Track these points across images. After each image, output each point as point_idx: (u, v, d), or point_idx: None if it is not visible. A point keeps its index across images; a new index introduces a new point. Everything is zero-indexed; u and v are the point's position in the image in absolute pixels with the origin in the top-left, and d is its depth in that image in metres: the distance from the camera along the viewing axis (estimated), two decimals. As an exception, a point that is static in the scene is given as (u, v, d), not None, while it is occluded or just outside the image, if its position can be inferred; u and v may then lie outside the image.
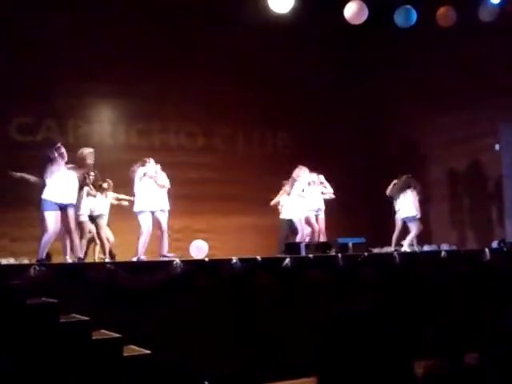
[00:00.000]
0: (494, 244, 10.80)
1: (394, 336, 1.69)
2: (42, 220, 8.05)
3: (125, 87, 11.57)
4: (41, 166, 8.19)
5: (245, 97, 12.51)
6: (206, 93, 12.19)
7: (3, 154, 10.48)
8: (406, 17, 9.53)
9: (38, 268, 6.77)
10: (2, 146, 10.73)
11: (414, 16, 9.53)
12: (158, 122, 12.36)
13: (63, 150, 8.15)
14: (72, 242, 8.19)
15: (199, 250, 9.45)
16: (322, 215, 10.70)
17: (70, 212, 8.11)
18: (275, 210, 11.06)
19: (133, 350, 5.63)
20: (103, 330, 5.73)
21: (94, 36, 11.24)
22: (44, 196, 7.94)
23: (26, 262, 8.38)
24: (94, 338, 5.47)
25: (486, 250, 9.99)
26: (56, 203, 7.93)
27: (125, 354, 5.47)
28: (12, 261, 8.81)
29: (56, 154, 8.03)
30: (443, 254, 9.76)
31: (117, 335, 5.57)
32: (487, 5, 9.77)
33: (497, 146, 11.67)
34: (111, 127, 12.11)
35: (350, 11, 9.32)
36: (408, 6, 9.59)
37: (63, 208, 8.00)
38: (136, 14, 11.55)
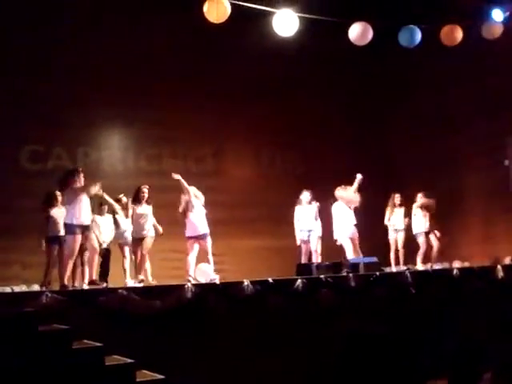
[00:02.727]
0: (507, 260, 10.72)
1: (407, 358, 1.70)
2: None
3: (133, 113, 11.67)
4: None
5: (253, 120, 12.59)
6: (214, 116, 12.27)
7: (14, 182, 10.57)
8: (410, 36, 9.59)
9: (49, 295, 6.79)
10: (12, 173, 10.82)
11: (419, 35, 9.59)
12: (167, 147, 12.44)
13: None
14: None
15: (204, 273, 9.40)
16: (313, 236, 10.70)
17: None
18: (287, 232, 11.05)
19: (146, 375, 5.61)
20: (116, 356, 5.72)
21: (104, 64, 11.37)
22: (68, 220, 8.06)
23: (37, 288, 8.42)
24: (107, 363, 5.46)
25: (499, 266, 9.92)
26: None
27: (138, 380, 5.45)
28: (24, 288, 8.85)
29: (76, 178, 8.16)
30: (455, 271, 9.70)
31: (130, 360, 5.55)
32: (491, 22, 9.80)
33: (506, 162, 11.68)
34: (120, 153, 12.19)
35: (355, 32, 9.38)
36: (412, 26, 9.64)
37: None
38: (143, 43, 11.69)
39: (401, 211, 11.12)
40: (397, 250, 11.03)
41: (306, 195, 10.68)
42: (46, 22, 10.92)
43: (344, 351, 1.73)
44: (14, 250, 10.41)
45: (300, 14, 9.08)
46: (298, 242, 10.66)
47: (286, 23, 8.96)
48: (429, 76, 12.77)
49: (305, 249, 10.64)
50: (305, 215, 10.63)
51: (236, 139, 12.67)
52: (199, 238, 9.35)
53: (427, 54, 11.27)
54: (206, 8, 8.39)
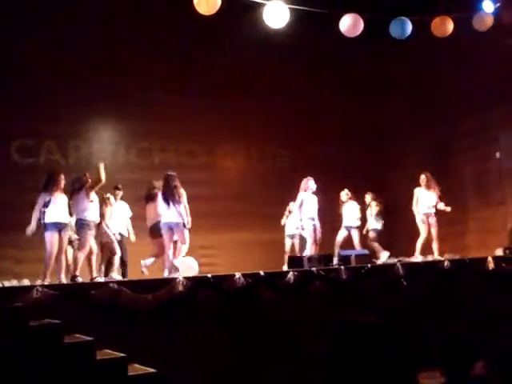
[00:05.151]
0: (499, 251, 10.74)
1: (398, 347, 1.69)
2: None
3: (124, 107, 11.62)
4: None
5: (243, 114, 12.55)
6: (205, 110, 12.22)
7: (4, 176, 10.50)
8: (401, 28, 9.57)
9: (40, 289, 6.75)
10: (2, 167, 10.75)
11: (409, 27, 9.57)
12: (157, 141, 12.40)
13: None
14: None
15: (189, 267, 9.36)
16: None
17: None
18: (277, 225, 11.05)
19: (137, 368, 5.59)
20: (107, 350, 5.70)
21: (94, 59, 11.31)
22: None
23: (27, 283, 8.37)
24: (98, 357, 5.44)
25: (490, 258, 9.94)
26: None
27: (130, 374, 5.44)
28: (15, 283, 8.79)
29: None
30: (446, 263, 9.71)
31: (121, 354, 5.53)
32: (481, 14, 9.80)
33: (497, 154, 11.72)
34: (111, 147, 12.14)
35: (346, 24, 9.35)
36: (403, 18, 9.62)
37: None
38: (134, 37, 11.64)
39: (430, 194, 10.53)
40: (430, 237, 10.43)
41: (312, 183, 10.42)
42: (40, 17, 10.86)
43: (337, 340, 1.71)
44: (5, 244, 10.35)
45: (291, 6, 9.04)
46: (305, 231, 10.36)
47: (276, 15, 8.91)
48: (422, 67, 12.73)
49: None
50: (312, 203, 10.37)
51: (227, 133, 12.62)
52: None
53: (418, 45, 11.26)
54: (195, 0, 8.33)
